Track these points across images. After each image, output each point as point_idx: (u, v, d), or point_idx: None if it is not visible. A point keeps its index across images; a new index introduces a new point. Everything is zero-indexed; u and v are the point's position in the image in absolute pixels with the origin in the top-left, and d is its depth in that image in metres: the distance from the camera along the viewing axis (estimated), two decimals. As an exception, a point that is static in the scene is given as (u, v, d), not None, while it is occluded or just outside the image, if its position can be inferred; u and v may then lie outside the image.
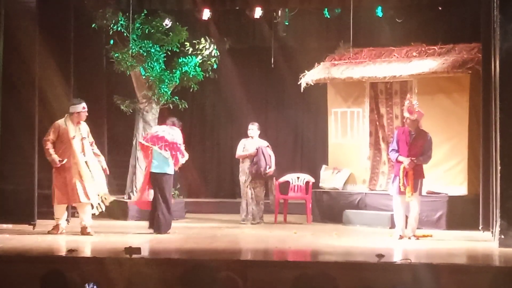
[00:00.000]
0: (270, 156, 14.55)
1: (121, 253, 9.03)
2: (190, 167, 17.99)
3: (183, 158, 13.01)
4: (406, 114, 12.48)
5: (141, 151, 14.01)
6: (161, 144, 12.81)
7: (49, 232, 12.32)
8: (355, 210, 14.51)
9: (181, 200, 15.68)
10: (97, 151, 12.73)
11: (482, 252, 11.07)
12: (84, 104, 12.55)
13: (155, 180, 12.84)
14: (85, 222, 12.40)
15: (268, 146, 14.62)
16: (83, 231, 12.33)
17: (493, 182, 11.76)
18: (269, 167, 14.46)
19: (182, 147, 13.06)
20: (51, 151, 12.37)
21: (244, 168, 14.56)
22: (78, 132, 12.47)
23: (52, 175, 12.52)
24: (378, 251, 9.84)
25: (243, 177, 14.58)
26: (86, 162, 12.43)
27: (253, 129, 14.60)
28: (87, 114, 12.56)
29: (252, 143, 14.57)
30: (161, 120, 14.36)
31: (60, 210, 12.51)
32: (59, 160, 12.31)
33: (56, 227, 12.45)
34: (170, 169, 12.87)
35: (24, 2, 13.01)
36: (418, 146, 12.29)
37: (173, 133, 13.01)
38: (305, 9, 15.24)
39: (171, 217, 13.03)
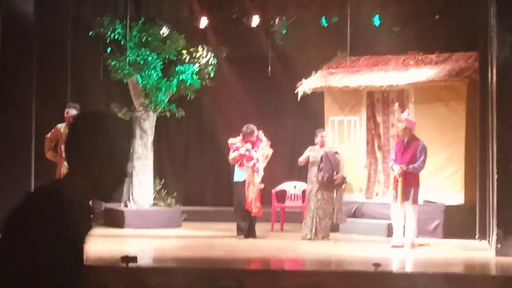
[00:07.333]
0: (338, 162, 13.60)
1: (117, 261, 9.02)
2: (187, 175, 18.01)
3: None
4: (398, 124, 12.68)
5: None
6: None
7: None
8: (352, 219, 14.48)
9: (177, 208, 15.66)
10: None
11: (479, 261, 11.08)
12: (67, 109, 12.48)
13: None
14: None
15: (336, 152, 13.75)
16: None
17: (489, 191, 11.77)
18: (336, 173, 13.44)
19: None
20: (46, 149, 12.58)
21: (311, 176, 13.60)
22: None
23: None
24: (375, 260, 9.85)
25: (310, 185, 13.66)
26: None
27: (318, 136, 13.82)
28: (70, 119, 12.38)
29: (318, 150, 13.69)
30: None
31: None
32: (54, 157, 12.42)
33: None
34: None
35: (22, 10, 13.02)
36: (410, 154, 12.35)
37: None
38: (302, 17, 15.26)
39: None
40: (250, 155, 13.52)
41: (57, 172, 12.44)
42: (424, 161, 12.38)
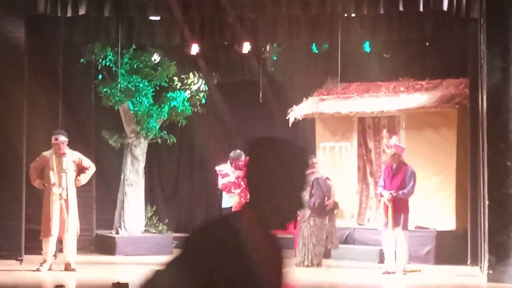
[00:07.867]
0: (330, 188, 13.62)
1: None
2: (178, 201, 17.96)
3: None
4: (386, 150, 12.70)
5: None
6: None
7: (37, 270, 12.09)
8: (344, 245, 14.45)
9: (169, 235, 15.60)
10: (84, 178, 12.56)
11: (471, 287, 11.06)
12: (57, 135, 12.33)
13: None
14: (68, 258, 12.20)
15: (327, 178, 13.73)
16: (67, 267, 12.13)
17: (481, 217, 11.76)
18: (328, 199, 13.47)
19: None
20: (32, 177, 12.39)
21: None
22: (59, 165, 12.30)
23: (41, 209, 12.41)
24: (367, 287, 9.83)
25: (301, 212, 13.06)
26: (60, 194, 12.26)
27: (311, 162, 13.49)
28: (60, 146, 12.27)
29: (309, 176, 13.38)
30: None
31: (46, 245, 12.28)
32: (43, 184, 12.27)
33: (43, 262, 12.21)
34: None
35: (13, 37, 13.03)
36: (399, 180, 12.37)
37: None
38: (293, 44, 15.31)
39: None
40: (238, 182, 13.47)
41: (45, 198, 12.33)
42: (413, 187, 12.38)
